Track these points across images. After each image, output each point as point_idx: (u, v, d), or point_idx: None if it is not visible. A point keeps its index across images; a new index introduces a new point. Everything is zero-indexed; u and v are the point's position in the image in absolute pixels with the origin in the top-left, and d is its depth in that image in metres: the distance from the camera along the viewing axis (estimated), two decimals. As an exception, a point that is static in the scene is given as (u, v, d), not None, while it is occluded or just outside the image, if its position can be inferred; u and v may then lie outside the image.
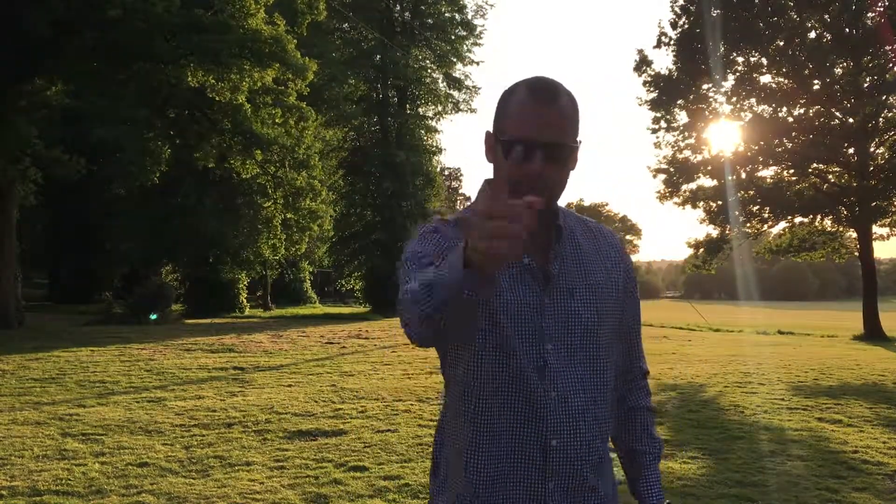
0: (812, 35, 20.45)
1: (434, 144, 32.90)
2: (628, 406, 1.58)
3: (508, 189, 1.11)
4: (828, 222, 21.98)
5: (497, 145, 1.37)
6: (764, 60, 20.94)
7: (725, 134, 22.25)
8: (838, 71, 20.44)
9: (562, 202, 1.48)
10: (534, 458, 1.37)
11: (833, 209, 21.03)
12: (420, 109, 32.66)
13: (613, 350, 1.48)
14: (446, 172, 52.02)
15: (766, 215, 21.86)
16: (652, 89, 21.70)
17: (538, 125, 1.31)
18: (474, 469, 1.40)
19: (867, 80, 20.00)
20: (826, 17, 19.66)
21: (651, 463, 1.57)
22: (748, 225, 22.29)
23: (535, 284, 1.39)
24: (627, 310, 1.53)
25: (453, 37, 32.12)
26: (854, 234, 21.45)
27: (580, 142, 1.38)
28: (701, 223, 22.79)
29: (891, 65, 19.46)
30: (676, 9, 21.36)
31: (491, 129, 1.41)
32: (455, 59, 32.28)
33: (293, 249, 27.36)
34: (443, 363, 1.49)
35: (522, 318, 1.37)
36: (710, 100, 21.76)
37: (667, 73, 21.59)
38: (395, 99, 31.69)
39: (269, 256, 26.67)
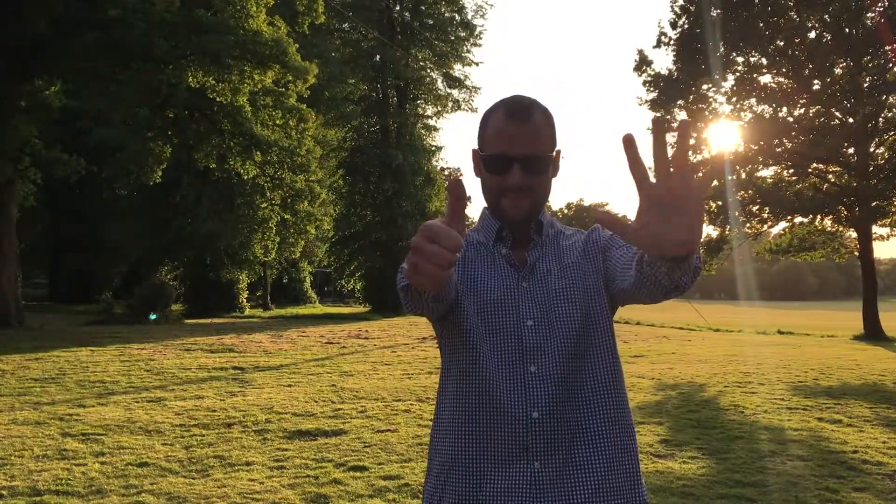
0: (812, 35, 20.46)
1: (434, 144, 32.93)
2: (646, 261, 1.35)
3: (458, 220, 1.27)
4: (828, 222, 21.98)
5: (480, 161, 1.50)
6: (764, 60, 20.95)
7: (725, 134, 22.26)
8: (838, 71, 20.44)
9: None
10: (516, 433, 1.40)
11: (833, 209, 21.03)
12: (420, 109, 32.66)
13: (600, 328, 1.49)
14: (446, 172, 52.02)
15: (765, 215, 21.86)
16: (652, 89, 21.72)
17: (514, 140, 1.43)
18: (456, 446, 1.46)
19: (867, 80, 20.00)
20: (826, 17, 19.66)
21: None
22: (748, 225, 22.29)
23: (513, 272, 1.51)
24: (611, 255, 1.50)
25: (453, 37, 32.12)
26: (854, 234, 21.46)
27: (558, 151, 1.51)
28: (701, 223, 22.77)
29: (891, 65, 19.45)
30: (676, 9, 21.37)
31: (476, 147, 1.54)
32: (455, 60, 32.30)
33: (288, 252, 27.40)
34: (439, 342, 1.60)
35: (501, 299, 1.48)
36: (710, 100, 21.78)
37: (667, 73, 21.60)
38: (395, 99, 31.69)
39: (261, 257, 26.73)
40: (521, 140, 1.43)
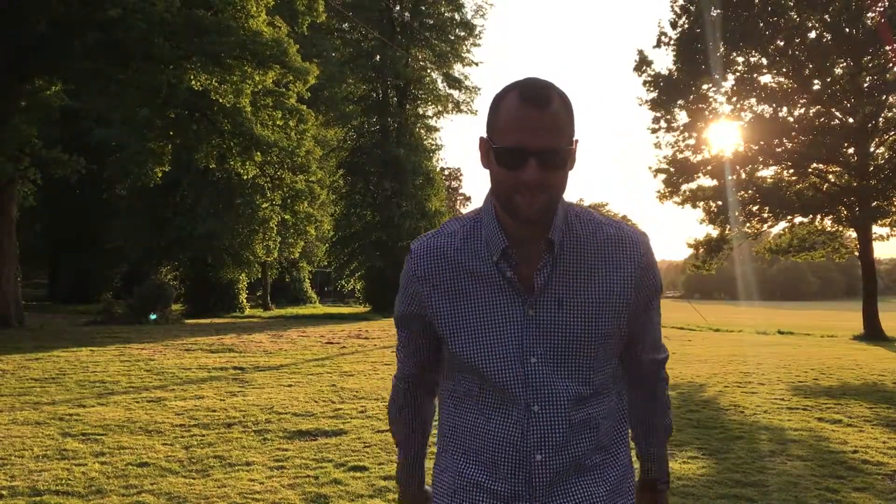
0: (812, 35, 20.44)
1: (434, 144, 32.94)
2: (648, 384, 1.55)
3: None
4: (828, 222, 21.98)
5: (490, 152, 1.32)
6: (764, 60, 20.93)
7: (725, 134, 22.26)
8: (838, 71, 20.43)
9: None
10: (519, 476, 1.34)
11: (833, 209, 21.03)
12: (420, 109, 32.68)
13: (611, 360, 1.41)
14: (446, 172, 52.10)
15: (766, 215, 21.85)
16: (652, 89, 21.70)
17: (531, 132, 1.25)
18: (457, 483, 1.41)
19: (867, 80, 19.99)
20: (826, 17, 19.65)
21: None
22: (748, 225, 22.28)
23: (517, 297, 1.34)
24: (640, 315, 1.44)
25: (453, 37, 32.14)
26: (854, 234, 21.46)
27: (576, 141, 1.33)
28: (701, 223, 22.81)
29: (891, 65, 19.45)
30: (676, 9, 21.36)
31: (485, 135, 1.35)
32: (454, 60, 32.31)
33: (288, 252, 27.43)
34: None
35: (503, 333, 1.34)
36: (710, 100, 21.75)
37: (667, 73, 21.59)
38: (395, 99, 31.71)
39: (262, 257, 26.75)
40: (538, 131, 1.24)
